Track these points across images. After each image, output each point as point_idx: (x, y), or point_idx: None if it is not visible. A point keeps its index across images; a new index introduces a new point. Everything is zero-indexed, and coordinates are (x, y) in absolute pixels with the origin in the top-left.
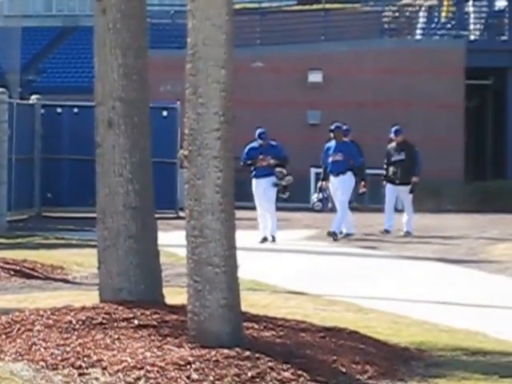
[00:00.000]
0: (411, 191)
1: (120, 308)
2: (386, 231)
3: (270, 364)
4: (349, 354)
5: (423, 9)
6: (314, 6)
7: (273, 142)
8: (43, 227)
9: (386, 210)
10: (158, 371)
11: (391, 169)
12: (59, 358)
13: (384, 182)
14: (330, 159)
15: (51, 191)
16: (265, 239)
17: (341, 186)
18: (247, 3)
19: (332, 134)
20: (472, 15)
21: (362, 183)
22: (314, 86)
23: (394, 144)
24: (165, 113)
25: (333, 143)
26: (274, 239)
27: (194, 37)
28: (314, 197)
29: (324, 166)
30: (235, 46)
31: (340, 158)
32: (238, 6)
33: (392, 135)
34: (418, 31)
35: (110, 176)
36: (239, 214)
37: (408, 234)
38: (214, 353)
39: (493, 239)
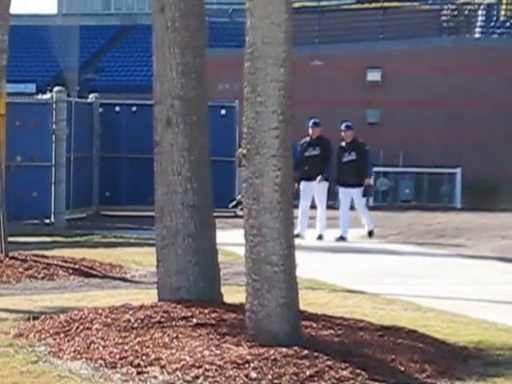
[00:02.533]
0: (364, 195)
1: (178, 307)
2: (342, 238)
3: (328, 363)
4: (407, 352)
5: (482, 7)
6: (373, 5)
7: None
8: (101, 226)
9: (341, 214)
10: (216, 370)
11: (342, 171)
12: (118, 356)
13: (336, 186)
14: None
15: (109, 190)
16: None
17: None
18: (306, 1)
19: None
20: None
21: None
22: (372, 84)
23: (343, 143)
24: (223, 111)
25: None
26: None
27: (253, 35)
28: None
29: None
30: (294, 45)
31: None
32: (296, 5)
33: (342, 130)
34: (477, 29)
35: (169, 174)
36: (297, 213)
37: (371, 233)
38: (272, 351)
39: None
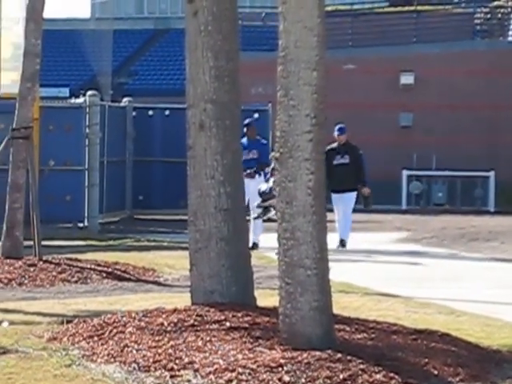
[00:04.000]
0: (365, 206)
1: (212, 310)
2: (342, 243)
3: (361, 366)
4: (440, 356)
5: None
6: (406, 8)
7: (263, 141)
8: (135, 229)
9: (337, 222)
10: (249, 373)
11: (334, 175)
12: (151, 360)
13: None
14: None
15: (143, 193)
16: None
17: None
18: (339, 5)
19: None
20: None
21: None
22: (405, 87)
23: (335, 145)
24: (256, 115)
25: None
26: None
27: (286, 39)
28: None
29: None
30: (327, 48)
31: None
32: (329, 8)
33: (335, 134)
34: (510, 32)
35: (202, 178)
36: (331, 216)
37: (343, 243)
38: (305, 355)
39: None
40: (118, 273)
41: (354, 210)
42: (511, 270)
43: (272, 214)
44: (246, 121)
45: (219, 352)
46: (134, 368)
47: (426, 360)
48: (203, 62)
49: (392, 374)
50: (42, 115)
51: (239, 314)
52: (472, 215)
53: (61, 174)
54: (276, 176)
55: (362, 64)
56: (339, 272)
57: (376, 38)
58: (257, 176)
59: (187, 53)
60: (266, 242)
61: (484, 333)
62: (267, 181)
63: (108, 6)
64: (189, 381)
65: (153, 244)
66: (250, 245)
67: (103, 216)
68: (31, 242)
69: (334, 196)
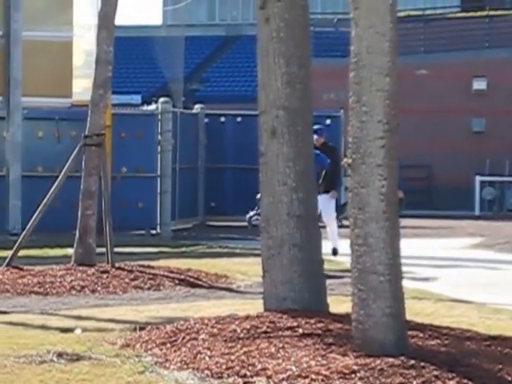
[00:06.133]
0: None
1: (284, 317)
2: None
3: (435, 373)
4: None
5: None
6: (478, 13)
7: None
8: (207, 236)
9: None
10: (322, 380)
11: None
12: (224, 366)
13: None
14: None
15: (215, 200)
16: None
17: None
18: (411, 10)
19: None
20: None
21: None
22: (478, 93)
23: None
24: (328, 121)
25: None
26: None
27: (358, 45)
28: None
29: None
30: (399, 54)
31: None
32: (401, 14)
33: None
34: None
35: (274, 185)
36: (404, 222)
37: (335, 251)
38: (378, 361)
39: None
40: (191, 279)
41: (426, 216)
42: None
43: None
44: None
45: (292, 358)
46: (207, 375)
47: (500, 366)
48: (275, 69)
49: (465, 381)
50: (114, 122)
51: (312, 321)
52: None
53: (133, 181)
54: (349, 182)
55: (434, 69)
56: (412, 278)
57: (448, 44)
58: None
59: (259, 59)
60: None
61: None
62: None
63: (180, 12)
64: None
65: (225, 250)
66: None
67: (175, 223)
68: (104, 249)
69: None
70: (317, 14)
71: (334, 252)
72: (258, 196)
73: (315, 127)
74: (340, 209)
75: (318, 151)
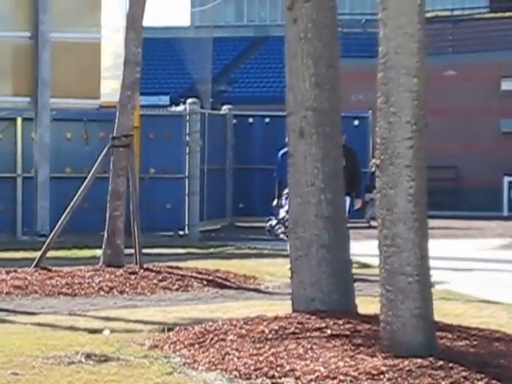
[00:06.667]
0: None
1: (313, 318)
2: None
3: (463, 374)
4: None
5: None
6: (507, 14)
7: None
8: (235, 237)
9: None
10: (350, 381)
11: None
12: (252, 367)
13: None
14: None
15: (243, 201)
16: None
17: None
18: (439, 11)
19: None
20: None
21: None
22: (507, 93)
23: None
24: (356, 122)
25: None
26: None
27: (386, 45)
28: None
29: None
30: (427, 55)
31: None
32: (429, 15)
33: None
34: None
35: (302, 186)
36: (432, 223)
37: None
38: (407, 362)
39: None
40: (219, 280)
41: (454, 217)
42: None
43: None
44: None
45: (320, 359)
46: (235, 376)
47: None
48: (303, 69)
49: (494, 382)
50: (142, 123)
51: (340, 322)
52: None
53: (161, 182)
54: (378, 183)
55: (463, 70)
56: (440, 279)
57: (476, 44)
58: None
59: (287, 60)
60: (366, 249)
61: None
62: (282, 206)
63: (208, 14)
64: None
65: (254, 251)
66: None
67: (204, 224)
68: (132, 250)
69: None
70: (345, 14)
71: None
72: (275, 203)
73: None
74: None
75: None
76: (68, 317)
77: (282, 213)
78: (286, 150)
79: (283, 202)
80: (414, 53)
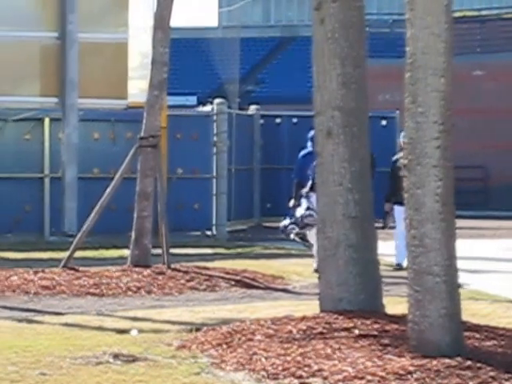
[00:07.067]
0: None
1: (340, 318)
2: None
3: (491, 374)
4: None
5: None
6: None
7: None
8: (263, 237)
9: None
10: (378, 381)
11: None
12: (280, 367)
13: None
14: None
15: (271, 201)
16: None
17: None
18: (467, 11)
19: None
20: None
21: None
22: None
23: (400, 154)
24: (384, 122)
25: None
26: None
27: (413, 46)
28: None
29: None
30: (454, 54)
31: None
32: (457, 14)
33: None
34: None
35: (330, 185)
36: (460, 223)
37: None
38: (434, 362)
39: None
40: (247, 281)
41: (482, 217)
42: None
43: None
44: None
45: (348, 359)
46: (263, 376)
47: None
48: (330, 70)
49: None
50: (170, 124)
51: (368, 322)
52: None
53: (189, 182)
54: (405, 183)
55: (490, 70)
56: (468, 279)
57: (504, 44)
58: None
59: (314, 60)
60: (393, 249)
61: None
62: (299, 205)
63: (235, 14)
64: None
65: (281, 252)
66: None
67: (231, 224)
68: (159, 251)
69: (399, 209)
70: (372, 14)
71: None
72: (291, 204)
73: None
74: None
75: None
76: (95, 317)
77: (299, 212)
78: (306, 151)
79: (301, 200)
80: (441, 53)
